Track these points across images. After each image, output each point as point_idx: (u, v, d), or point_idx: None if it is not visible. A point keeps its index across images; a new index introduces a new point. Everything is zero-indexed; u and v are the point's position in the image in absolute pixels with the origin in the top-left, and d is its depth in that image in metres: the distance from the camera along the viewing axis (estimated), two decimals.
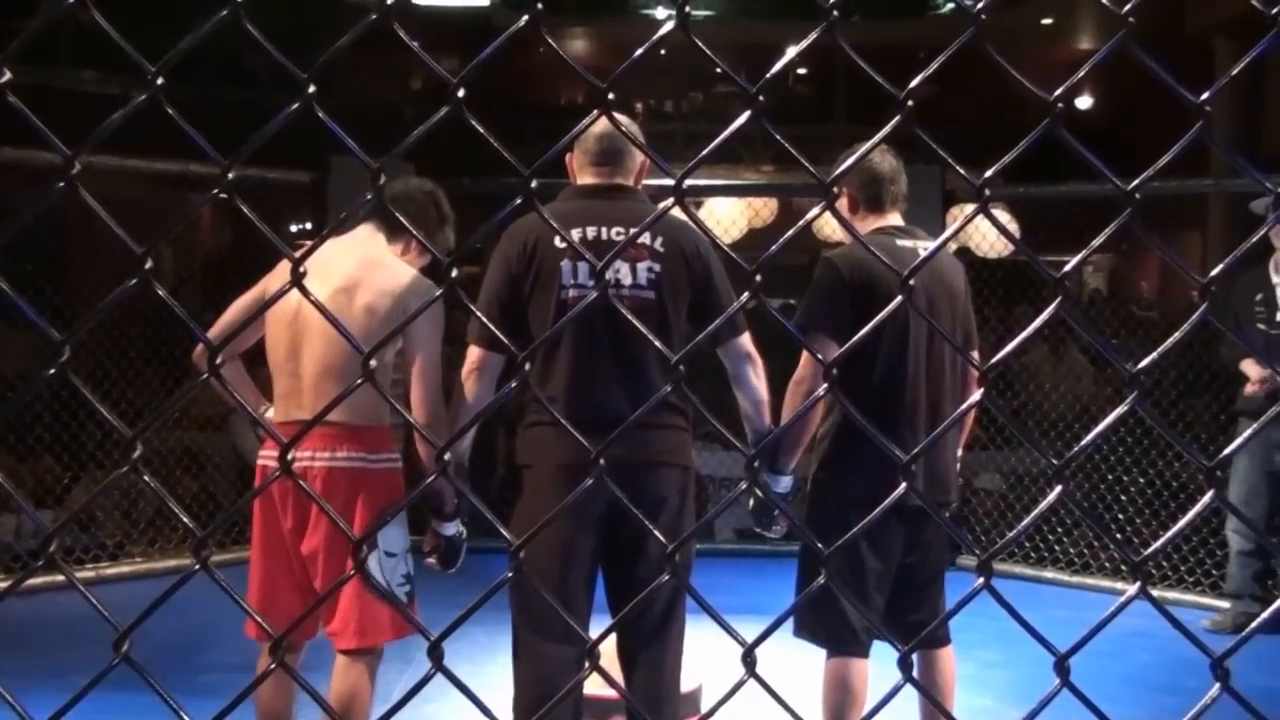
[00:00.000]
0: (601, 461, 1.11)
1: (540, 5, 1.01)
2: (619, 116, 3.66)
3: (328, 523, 3.22)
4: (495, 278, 3.25)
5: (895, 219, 3.65)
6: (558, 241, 3.16)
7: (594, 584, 3.30)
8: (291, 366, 3.31)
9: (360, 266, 3.34)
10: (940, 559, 3.68)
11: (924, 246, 3.54)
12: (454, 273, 1.05)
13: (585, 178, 3.37)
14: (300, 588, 3.30)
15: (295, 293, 3.65)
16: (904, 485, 1.07)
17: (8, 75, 0.97)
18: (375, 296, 3.29)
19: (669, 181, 1.11)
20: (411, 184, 3.64)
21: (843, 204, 3.67)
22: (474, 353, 3.25)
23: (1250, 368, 5.80)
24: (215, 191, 1.05)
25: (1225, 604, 6.22)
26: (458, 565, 3.42)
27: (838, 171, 1.10)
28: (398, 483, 3.40)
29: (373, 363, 1.12)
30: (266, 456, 3.36)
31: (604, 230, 3.21)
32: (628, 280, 3.20)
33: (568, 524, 3.13)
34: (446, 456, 1.13)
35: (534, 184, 1.03)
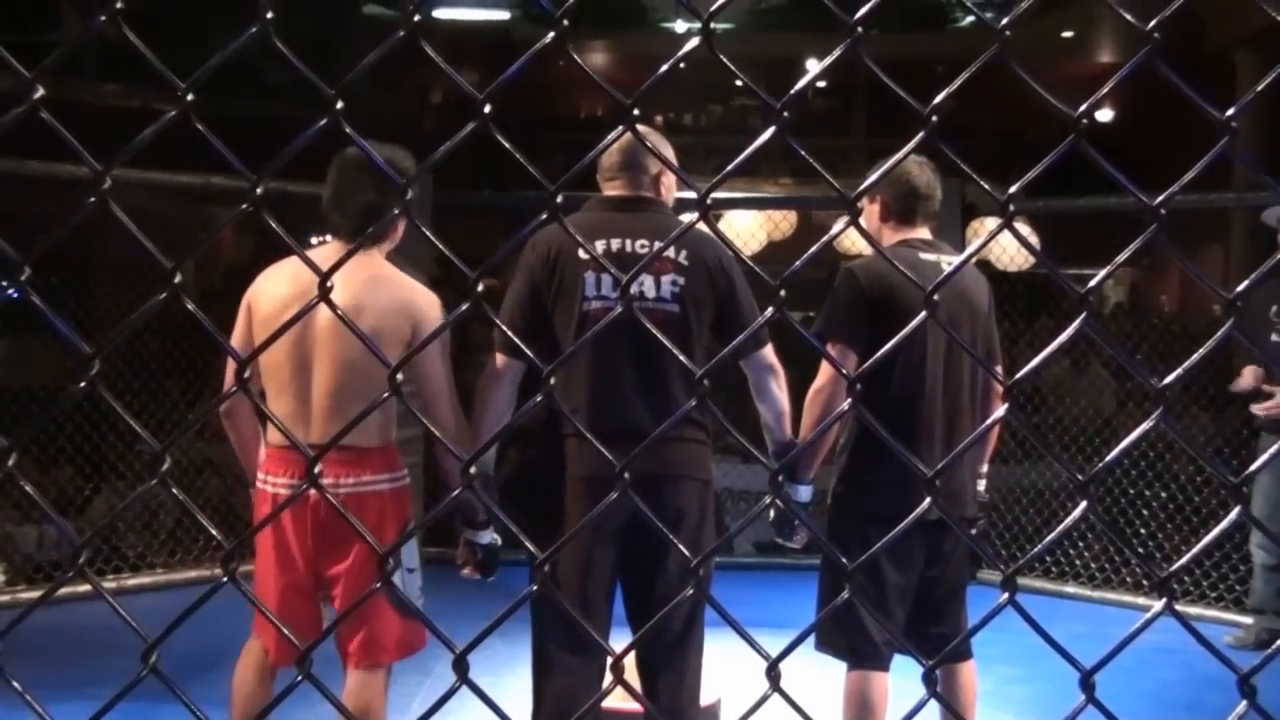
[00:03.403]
0: (626, 475, 1.11)
1: (566, 22, 1.01)
2: (643, 129, 3.66)
3: (359, 546, 3.21)
4: (519, 287, 3.26)
5: (924, 233, 3.63)
6: (581, 253, 3.17)
7: (613, 597, 3.30)
8: (297, 389, 3.24)
9: (359, 286, 3.23)
10: (960, 572, 3.67)
11: (947, 261, 3.53)
12: (480, 287, 1.05)
13: (608, 190, 3.38)
14: (314, 612, 3.31)
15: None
16: (928, 500, 1.07)
17: (41, 92, 0.98)
18: (379, 318, 3.20)
19: (692, 195, 1.11)
20: (394, 158, 3.22)
21: (874, 211, 3.66)
22: (497, 359, 3.26)
23: (1246, 374, 5.76)
24: (245, 206, 1.05)
25: (1248, 619, 6.17)
26: (496, 573, 3.42)
27: (862, 187, 1.10)
28: (410, 500, 3.43)
29: (399, 378, 1.12)
30: (276, 484, 3.29)
31: (628, 243, 3.22)
32: (651, 293, 3.20)
33: (588, 537, 3.13)
34: (473, 470, 1.13)
35: (559, 198, 1.04)
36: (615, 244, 3.22)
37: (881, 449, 3.29)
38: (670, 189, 3.45)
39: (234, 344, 3.37)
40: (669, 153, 3.38)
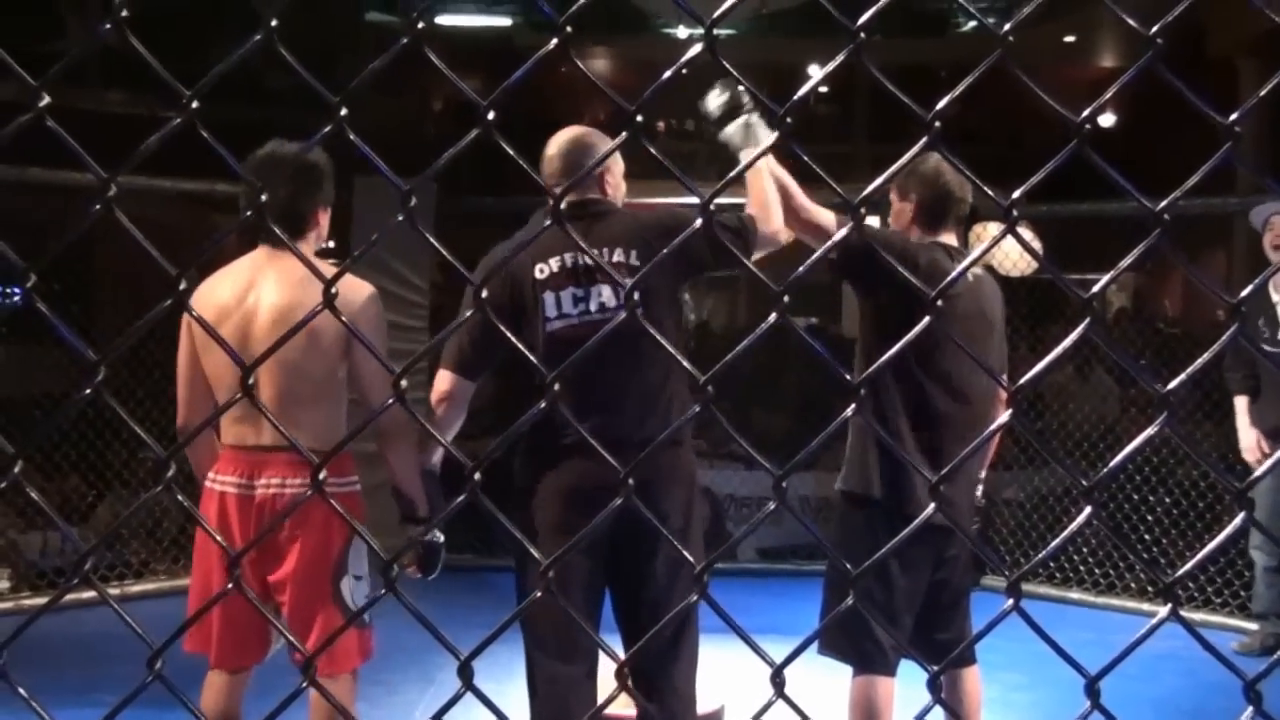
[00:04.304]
0: (630, 482, 1.11)
1: (569, 29, 1.01)
2: (581, 129, 3.61)
3: (299, 551, 3.17)
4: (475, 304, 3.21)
5: (951, 239, 3.60)
6: (537, 272, 3.15)
7: (600, 605, 3.27)
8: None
9: (294, 285, 3.25)
10: (964, 577, 3.65)
11: (973, 273, 3.50)
12: (484, 293, 1.05)
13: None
14: (261, 615, 3.24)
15: (242, 319, 3.59)
16: (933, 506, 1.07)
17: (46, 100, 0.99)
18: (316, 318, 3.18)
19: (695, 200, 1.12)
20: (302, 153, 3.23)
21: (905, 210, 3.61)
22: (445, 377, 3.20)
23: (1244, 432, 5.86)
24: (249, 213, 1.06)
25: (1253, 625, 6.16)
26: (437, 571, 3.37)
27: (865, 191, 1.10)
28: (362, 505, 3.35)
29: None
30: (224, 482, 3.26)
31: (580, 255, 3.16)
32: (611, 302, 3.16)
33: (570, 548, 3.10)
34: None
35: (563, 206, 1.04)
36: (568, 259, 3.17)
37: (887, 451, 3.29)
38: (617, 186, 3.38)
39: (180, 359, 3.39)
40: (610, 156, 3.29)
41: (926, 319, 1.08)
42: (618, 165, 3.36)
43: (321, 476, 1.39)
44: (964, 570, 3.63)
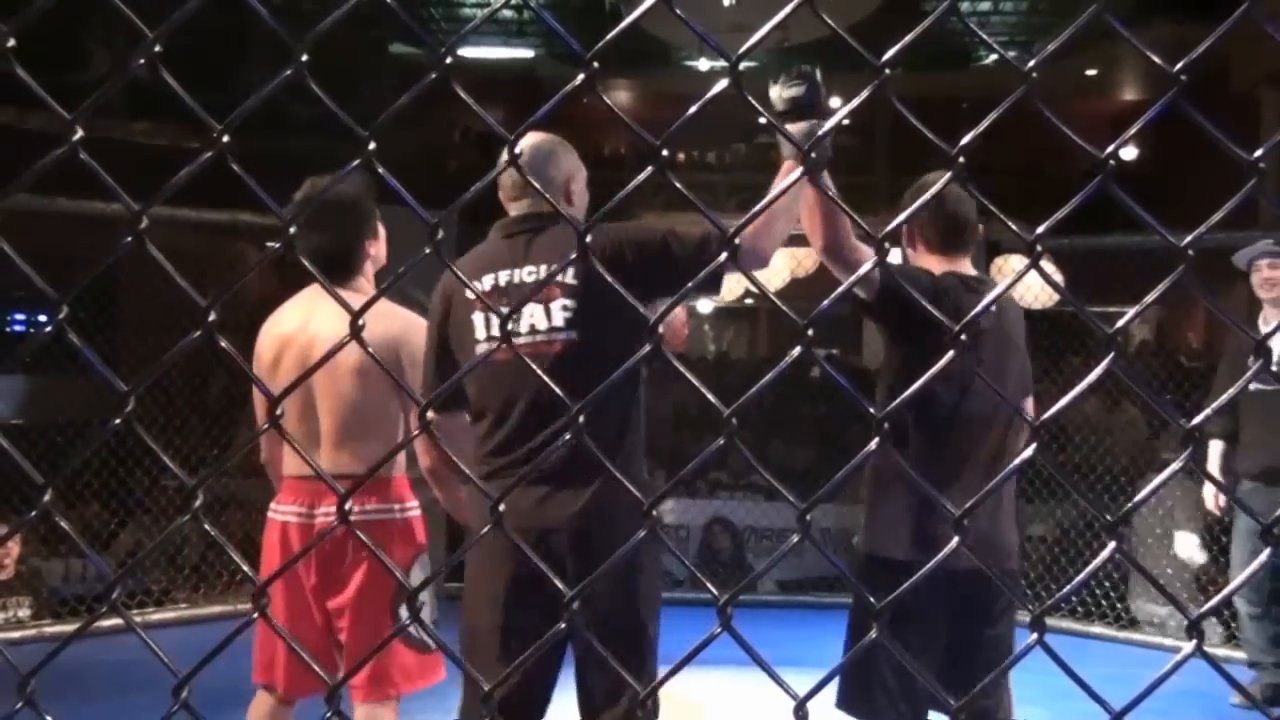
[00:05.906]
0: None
1: (596, 64, 1.02)
2: (542, 136, 3.40)
3: (359, 579, 3.21)
4: (429, 336, 3.09)
5: (968, 266, 3.42)
6: (469, 293, 2.93)
7: (561, 651, 2.92)
8: (305, 425, 3.29)
9: (340, 321, 3.30)
10: (994, 625, 3.32)
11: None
12: (510, 325, 1.06)
13: (512, 210, 3.10)
14: (326, 642, 3.29)
15: (300, 350, 3.69)
16: (956, 541, 1.06)
17: (80, 133, 1.00)
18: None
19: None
20: (342, 192, 3.19)
21: (917, 242, 3.40)
22: (432, 418, 3.01)
23: (1214, 479, 5.84)
24: (277, 246, 1.07)
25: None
26: None
27: (891, 224, 1.10)
28: (422, 530, 3.37)
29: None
30: (285, 512, 3.31)
31: (516, 273, 2.95)
32: (543, 324, 2.88)
33: (513, 600, 2.81)
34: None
35: (589, 238, 1.05)
36: (504, 277, 2.95)
37: (909, 490, 3.12)
38: (582, 194, 3.17)
39: (255, 394, 3.51)
40: (574, 164, 3.14)
41: (950, 353, 1.08)
42: (581, 173, 3.18)
43: (353, 506, 1.39)
44: (991, 615, 3.32)
